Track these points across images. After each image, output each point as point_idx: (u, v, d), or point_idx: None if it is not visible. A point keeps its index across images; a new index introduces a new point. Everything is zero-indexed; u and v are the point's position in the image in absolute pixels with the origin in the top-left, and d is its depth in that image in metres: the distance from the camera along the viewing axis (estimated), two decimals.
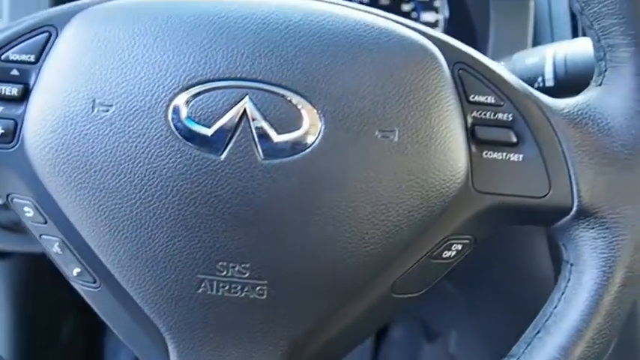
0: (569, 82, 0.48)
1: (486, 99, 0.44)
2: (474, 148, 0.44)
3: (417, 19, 0.88)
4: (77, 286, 0.47)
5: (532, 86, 0.61)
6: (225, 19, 0.42)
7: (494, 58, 0.72)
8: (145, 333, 0.47)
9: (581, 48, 0.59)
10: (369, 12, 0.44)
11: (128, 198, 0.42)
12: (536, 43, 0.76)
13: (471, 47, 0.46)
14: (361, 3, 0.88)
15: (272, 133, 0.41)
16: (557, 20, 0.76)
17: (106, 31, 0.42)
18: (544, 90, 0.60)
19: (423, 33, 0.45)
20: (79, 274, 0.46)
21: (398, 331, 1.19)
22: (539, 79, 0.60)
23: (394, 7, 0.88)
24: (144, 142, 0.41)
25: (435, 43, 0.44)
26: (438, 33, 0.45)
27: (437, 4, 0.88)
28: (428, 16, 0.89)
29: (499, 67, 0.45)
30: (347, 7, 0.44)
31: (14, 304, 0.87)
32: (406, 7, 0.89)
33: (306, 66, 0.41)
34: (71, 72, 0.42)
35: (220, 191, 0.41)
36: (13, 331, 0.88)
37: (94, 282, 0.46)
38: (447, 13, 0.88)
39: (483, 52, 0.77)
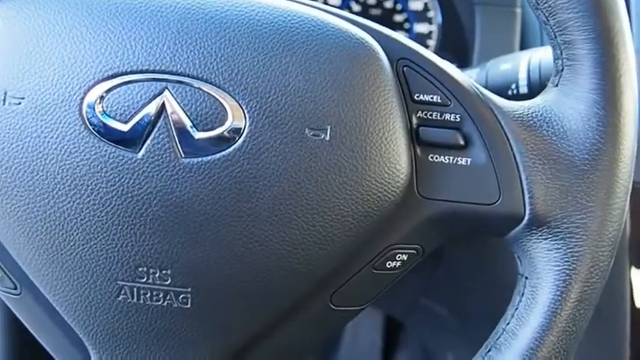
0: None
1: (432, 98, 0.41)
2: (418, 151, 0.41)
3: (409, 31, 0.85)
4: None
5: (505, 93, 0.58)
6: (146, 8, 0.39)
7: (478, 65, 0.69)
8: (70, 342, 0.44)
9: None
10: (303, 4, 0.42)
11: (41, 197, 0.39)
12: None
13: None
14: (351, 12, 0.86)
15: (193, 129, 0.39)
16: None
17: (21, 21, 0.40)
18: (518, 97, 0.57)
19: (364, 26, 0.42)
20: None
21: (402, 356, 1.16)
22: (513, 85, 0.56)
23: (386, 18, 0.86)
24: (56, 138, 0.39)
25: (376, 38, 0.41)
26: (380, 27, 0.42)
27: (430, 14, 0.85)
28: (421, 27, 0.86)
29: (447, 65, 0.42)
30: None
31: (7, 338, 0.86)
32: (399, 18, 0.86)
33: (230, 59, 0.39)
34: None
35: (137, 191, 0.39)
36: None
37: (15, 288, 0.43)
38: (440, 26, 0.85)
39: (470, 59, 0.74)
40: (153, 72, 0.39)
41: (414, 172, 0.41)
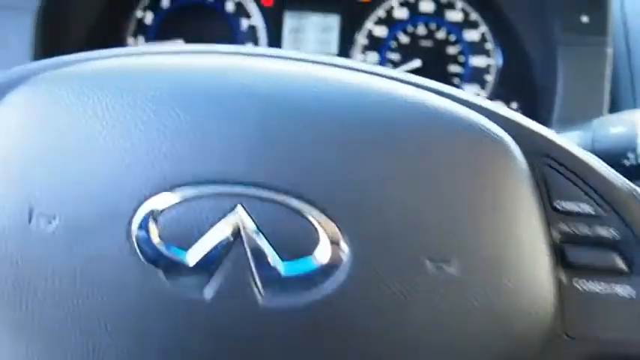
0: None
1: (580, 207, 0.32)
2: (563, 277, 0.32)
3: (464, 65, 0.76)
4: None
5: (619, 164, 0.48)
6: (215, 97, 0.30)
7: (560, 121, 0.59)
8: None
9: None
10: (409, 82, 0.32)
11: (76, 344, 0.30)
12: (613, 103, 0.62)
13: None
14: (399, 44, 0.76)
15: (276, 259, 0.29)
16: None
17: (50, 110, 0.30)
18: (636, 169, 0.48)
19: (489, 112, 0.32)
20: None
21: None
22: (630, 154, 0.47)
23: (438, 50, 0.76)
24: (97, 270, 0.29)
25: (505, 128, 0.31)
26: (511, 112, 0.33)
27: (488, 46, 0.76)
28: (478, 61, 0.76)
29: (597, 162, 0.33)
30: (377, 74, 0.32)
31: None
32: (452, 50, 0.76)
33: (324, 165, 0.29)
34: (2, 167, 0.30)
35: (204, 341, 0.29)
36: None
37: None
38: (500, 59, 0.75)
39: (548, 112, 0.65)
40: (223, 183, 0.29)
41: (558, 305, 0.32)
